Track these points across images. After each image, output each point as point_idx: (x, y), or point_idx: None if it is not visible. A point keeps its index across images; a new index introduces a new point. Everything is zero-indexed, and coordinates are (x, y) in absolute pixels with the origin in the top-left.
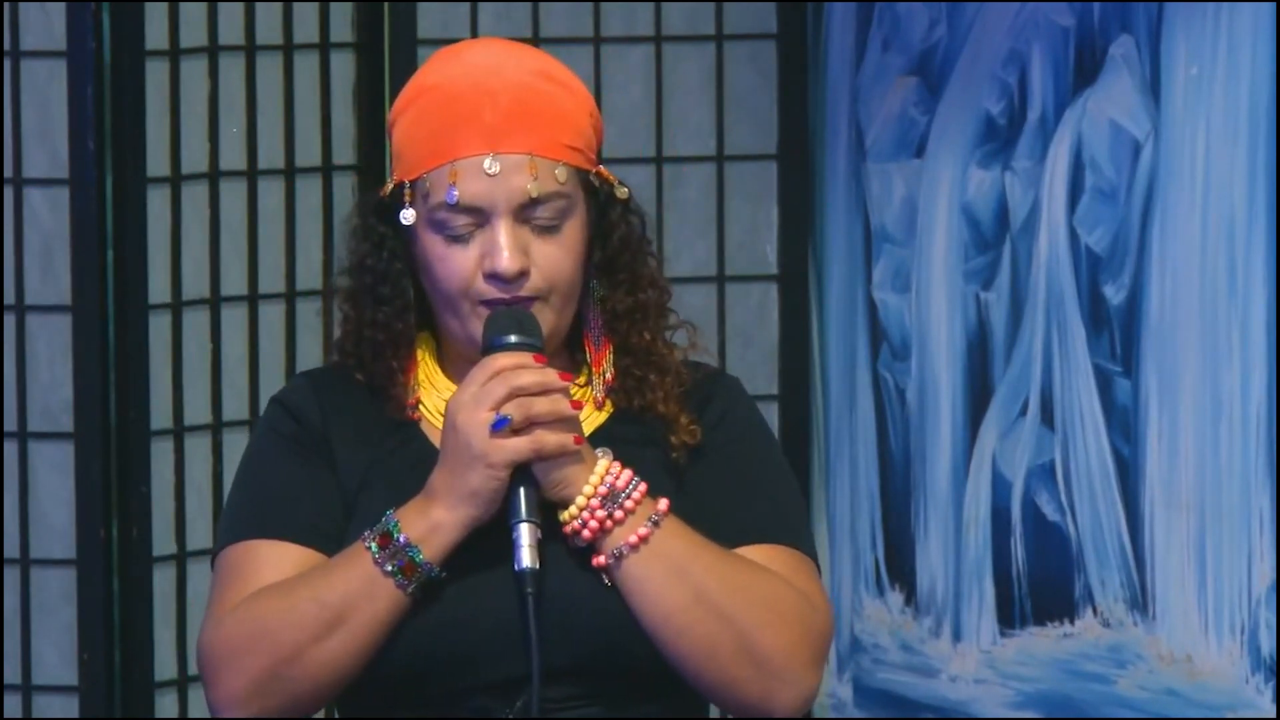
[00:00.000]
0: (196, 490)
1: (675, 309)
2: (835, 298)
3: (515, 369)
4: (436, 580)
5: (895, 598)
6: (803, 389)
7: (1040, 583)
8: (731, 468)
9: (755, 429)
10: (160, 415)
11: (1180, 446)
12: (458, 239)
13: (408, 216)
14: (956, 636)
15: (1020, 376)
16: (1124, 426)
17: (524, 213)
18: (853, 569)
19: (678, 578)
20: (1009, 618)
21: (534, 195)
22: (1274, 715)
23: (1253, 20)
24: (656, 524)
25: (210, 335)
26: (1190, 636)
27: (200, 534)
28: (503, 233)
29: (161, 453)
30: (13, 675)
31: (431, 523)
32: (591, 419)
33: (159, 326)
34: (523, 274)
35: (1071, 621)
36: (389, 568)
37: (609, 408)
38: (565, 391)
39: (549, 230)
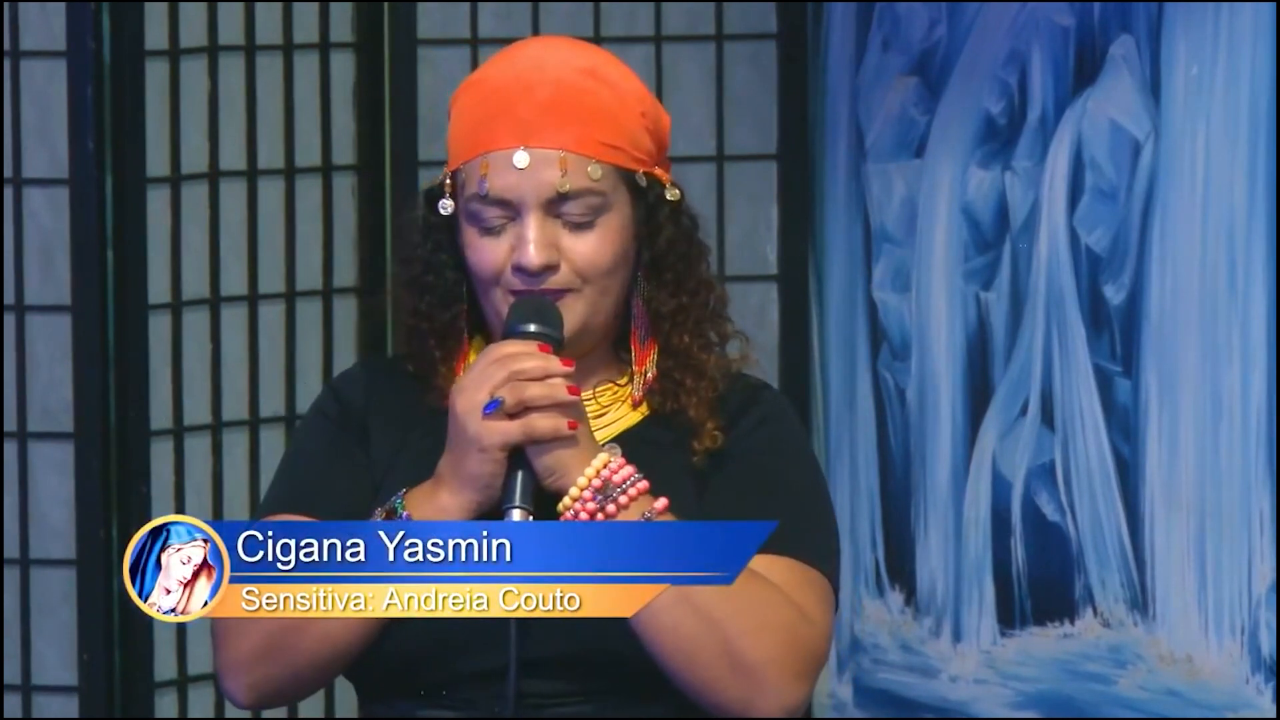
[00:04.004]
0: (196, 490)
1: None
2: (835, 298)
3: (516, 354)
4: None
5: (895, 598)
6: (803, 389)
7: (1040, 583)
8: (751, 477)
9: (789, 445)
10: (160, 415)
11: (1180, 446)
12: (490, 230)
13: (445, 206)
14: (956, 637)
15: (1020, 376)
16: (1124, 426)
17: (554, 208)
18: (853, 569)
19: None
20: (1009, 618)
21: (562, 191)
22: (1274, 715)
23: (1253, 20)
24: (649, 521)
25: (210, 335)
26: (1190, 637)
27: None
28: (530, 227)
29: (161, 453)
30: (13, 675)
31: (437, 506)
32: (625, 419)
33: (159, 326)
34: (548, 268)
35: (1071, 622)
36: None
37: (644, 409)
38: (566, 377)
39: (581, 227)
